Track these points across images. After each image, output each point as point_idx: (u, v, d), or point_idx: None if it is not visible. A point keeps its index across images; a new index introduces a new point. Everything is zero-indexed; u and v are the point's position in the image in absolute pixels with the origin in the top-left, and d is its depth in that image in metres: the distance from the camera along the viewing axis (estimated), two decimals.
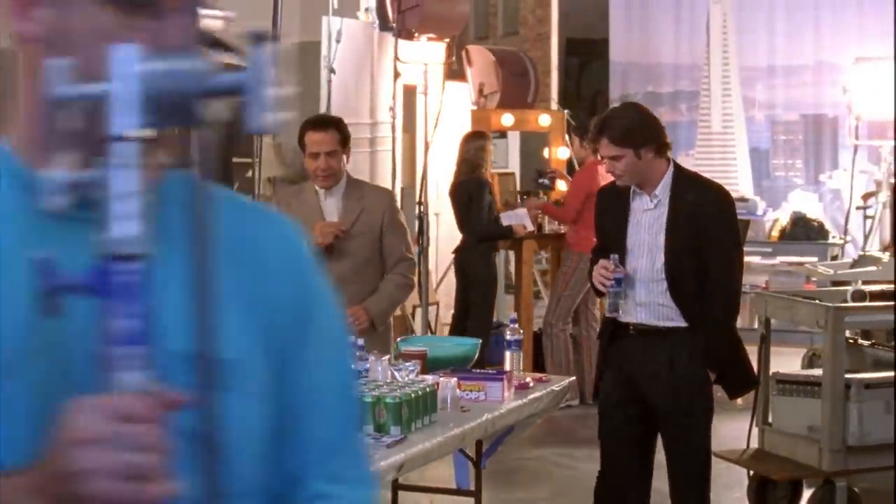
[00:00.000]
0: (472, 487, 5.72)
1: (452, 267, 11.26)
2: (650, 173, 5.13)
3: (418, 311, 10.94)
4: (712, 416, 5.31)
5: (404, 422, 4.47)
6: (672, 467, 5.30)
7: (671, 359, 5.12)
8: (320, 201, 5.96)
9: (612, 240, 5.24)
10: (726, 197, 5.30)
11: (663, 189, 5.13)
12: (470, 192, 9.96)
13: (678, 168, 5.24)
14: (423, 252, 9.86)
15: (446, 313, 11.58)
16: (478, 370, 5.32)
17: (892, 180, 10.90)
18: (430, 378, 4.91)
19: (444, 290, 11.59)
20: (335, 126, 5.94)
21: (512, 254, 12.04)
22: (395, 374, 4.90)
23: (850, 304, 6.79)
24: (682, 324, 5.12)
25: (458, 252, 10.21)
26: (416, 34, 10.17)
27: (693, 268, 5.08)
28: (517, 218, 10.22)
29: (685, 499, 5.32)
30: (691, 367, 5.12)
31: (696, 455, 5.27)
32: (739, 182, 14.16)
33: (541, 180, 10.93)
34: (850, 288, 7.35)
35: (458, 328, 9.88)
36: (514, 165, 14.16)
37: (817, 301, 6.78)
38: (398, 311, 10.37)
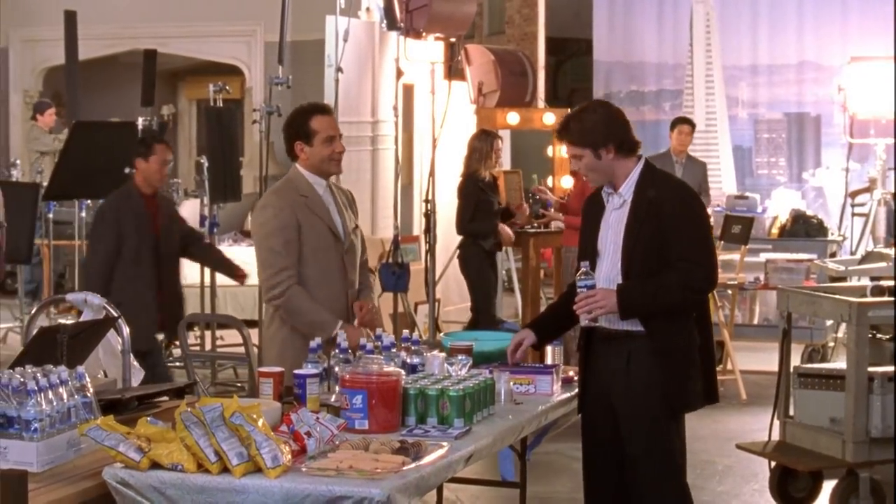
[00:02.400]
0: (517, 479, 5.82)
1: (450, 264, 11.36)
2: (615, 173, 4.93)
3: (420, 308, 11.02)
4: (676, 420, 4.98)
5: (467, 414, 4.54)
6: (635, 478, 4.97)
7: (627, 364, 4.91)
8: (320, 196, 5.51)
9: (587, 243, 5.07)
10: (689, 195, 5.03)
11: (628, 188, 4.93)
12: (462, 191, 10.05)
13: (647, 167, 4.99)
14: (431, 250, 9.91)
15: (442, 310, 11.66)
16: (526, 364, 5.37)
17: None
18: (484, 372, 4.98)
19: (440, 287, 11.67)
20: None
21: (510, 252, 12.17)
22: (449, 368, 4.98)
23: (873, 298, 6.90)
24: (638, 328, 4.89)
25: (461, 251, 10.30)
26: (424, 33, 10.22)
27: (653, 269, 4.86)
28: None
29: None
30: (647, 371, 4.87)
31: (661, 463, 4.94)
32: (723, 180, 14.33)
33: (539, 210, 10.94)
34: (869, 283, 7.48)
35: (470, 325, 9.96)
36: (506, 164, 14.22)
37: (839, 296, 6.89)
38: (401, 308, 10.47)
